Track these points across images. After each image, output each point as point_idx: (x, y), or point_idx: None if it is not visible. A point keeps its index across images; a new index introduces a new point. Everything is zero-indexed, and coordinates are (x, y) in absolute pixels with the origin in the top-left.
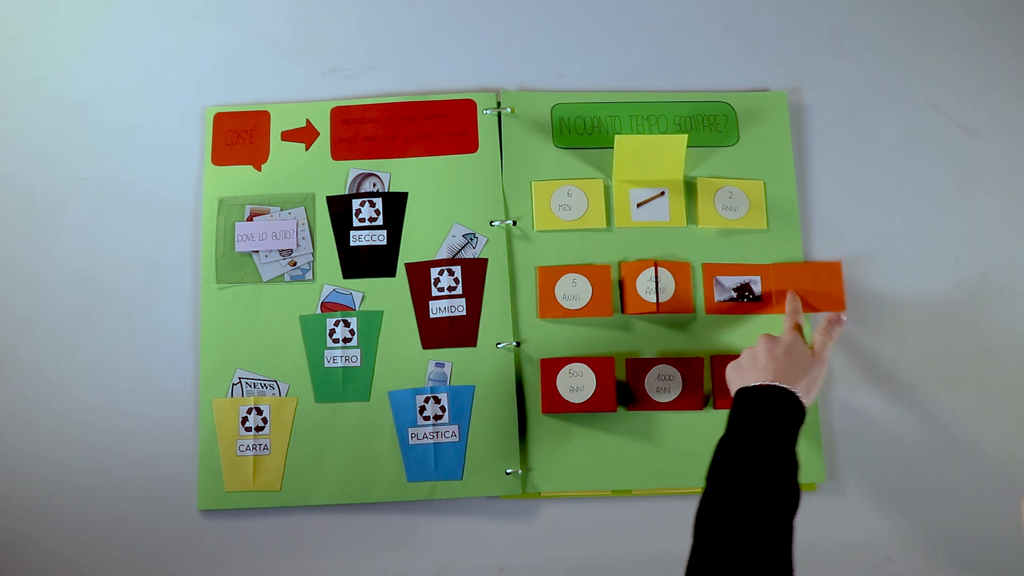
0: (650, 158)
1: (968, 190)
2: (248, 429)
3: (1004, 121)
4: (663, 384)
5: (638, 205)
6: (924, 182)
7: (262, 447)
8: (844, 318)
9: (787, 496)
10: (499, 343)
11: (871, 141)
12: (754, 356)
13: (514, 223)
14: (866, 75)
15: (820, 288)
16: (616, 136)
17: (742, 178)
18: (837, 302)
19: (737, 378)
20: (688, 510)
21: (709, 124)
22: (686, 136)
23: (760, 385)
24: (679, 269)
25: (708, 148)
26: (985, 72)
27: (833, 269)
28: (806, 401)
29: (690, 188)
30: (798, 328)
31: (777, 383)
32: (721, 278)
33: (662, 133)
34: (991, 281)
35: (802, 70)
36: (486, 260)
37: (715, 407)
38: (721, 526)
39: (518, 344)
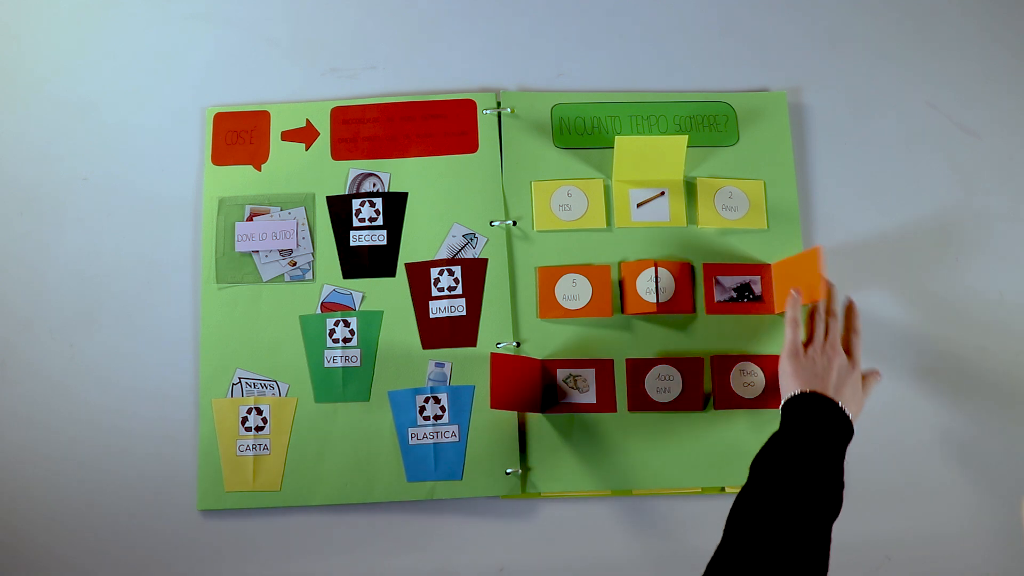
0: (650, 158)
1: (968, 190)
2: (248, 429)
3: (1004, 121)
4: (663, 384)
5: (638, 205)
6: (924, 182)
7: (262, 447)
8: (854, 305)
9: (830, 504)
10: (499, 343)
11: (871, 141)
12: (825, 367)
13: (514, 223)
14: (866, 75)
15: (804, 278)
16: (616, 137)
17: (742, 178)
18: (814, 289)
19: (799, 377)
20: (688, 510)
21: (709, 124)
22: (686, 137)
23: (825, 398)
24: (679, 269)
25: (708, 148)
26: (985, 72)
27: (812, 255)
28: (855, 423)
29: (690, 188)
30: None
31: (840, 404)
32: (721, 278)
33: (662, 133)
34: (991, 281)
35: (802, 70)
36: (486, 260)
37: (715, 407)
38: (759, 520)
39: (518, 344)
